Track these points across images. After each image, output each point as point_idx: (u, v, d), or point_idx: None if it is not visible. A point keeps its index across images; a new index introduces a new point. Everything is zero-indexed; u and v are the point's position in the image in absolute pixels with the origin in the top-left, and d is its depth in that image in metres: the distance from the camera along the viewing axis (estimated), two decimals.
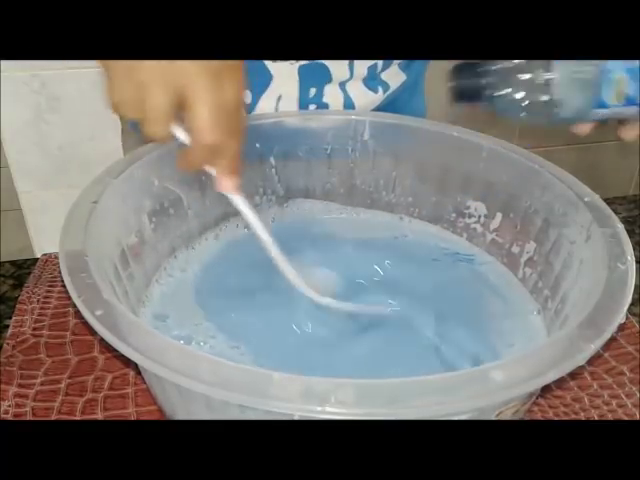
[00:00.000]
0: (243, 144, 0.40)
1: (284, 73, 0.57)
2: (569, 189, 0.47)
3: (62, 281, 0.37)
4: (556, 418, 0.45)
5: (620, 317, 0.35)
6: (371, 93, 0.60)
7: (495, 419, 0.35)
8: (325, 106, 0.59)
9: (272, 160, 0.57)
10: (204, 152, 0.39)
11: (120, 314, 0.35)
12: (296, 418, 0.30)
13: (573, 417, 0.45)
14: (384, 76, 0.60)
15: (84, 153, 1.15)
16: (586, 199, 0.45)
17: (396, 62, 0.60)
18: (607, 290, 0.37)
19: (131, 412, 0.45)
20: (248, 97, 0.58)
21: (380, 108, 0.61)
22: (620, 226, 0.43)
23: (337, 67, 0.57)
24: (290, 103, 0.59)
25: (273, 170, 0.57)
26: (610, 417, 0.45)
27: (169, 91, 0.37)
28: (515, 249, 0.52)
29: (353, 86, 0.59)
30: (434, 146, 0.55)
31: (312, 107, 0.59)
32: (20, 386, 0.47)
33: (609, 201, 0.45)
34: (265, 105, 0.58)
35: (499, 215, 0.53)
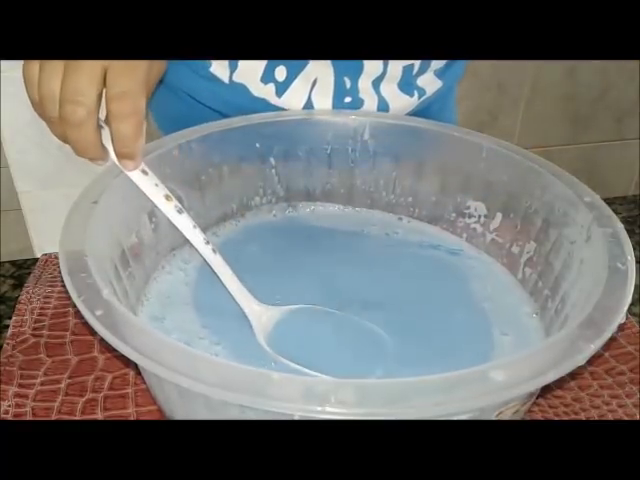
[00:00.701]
0: (138, 131, 0.40)
1: None
2: (569, 189, 0.47)
3: (62, 281, 0.37)
4: (556, 418, 0.45)
5: (620, 317, 0.35)
6: (406, 97, 0.59)
7: (495, 419, 0.35)
8: (361, 102, 0.58)
9: (272, 160, 0.57)
10: (61, 126, 0.39)
11: (120, 314, 0.35)
12: (296, 418, 0.30)
13: (573, 417, 0.45)
14: (420, 82, 0.60)
15: None
16: (586, 199, 0.45)
17: (432, 68, 0.60)
18: (607, 290, 0.37)
19: (131, 412, 0.45)
20: (282, 74, 0.56)
21: (412, 115, 0.60)
22: (620, 226, 0.43)
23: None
24: (325, 90, 0.58)
25: (273, 170, 0.57)
26: (610, 417, 0.45)
27: (59, 74, 0.37)
28: (515, 249, 0.52)
29: (388, 89, 0.59)
30: (434, 146, 0.55)
31: (347, 100, 0.58)
32: (20, 386, 0.47)
33: (609, 201, 0.45)
34: (299, 86, 0.57)
35: (499, 215, 0.53)
